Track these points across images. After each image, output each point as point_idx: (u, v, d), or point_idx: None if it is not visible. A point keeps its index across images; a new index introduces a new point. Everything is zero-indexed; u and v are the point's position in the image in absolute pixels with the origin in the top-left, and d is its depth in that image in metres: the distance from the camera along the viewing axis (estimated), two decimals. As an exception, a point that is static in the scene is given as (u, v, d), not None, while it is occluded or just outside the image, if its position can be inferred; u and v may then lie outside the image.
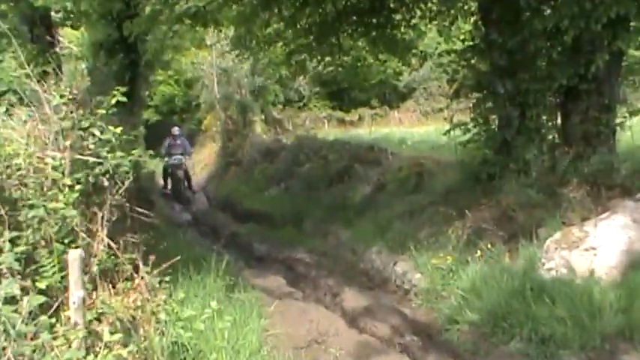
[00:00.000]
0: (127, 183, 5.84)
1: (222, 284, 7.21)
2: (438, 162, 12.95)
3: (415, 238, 9.24)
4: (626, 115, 9.48)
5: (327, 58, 14.00)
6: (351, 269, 10.13)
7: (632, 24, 8.52)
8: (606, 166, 8.34)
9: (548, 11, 8.86)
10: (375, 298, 8.41)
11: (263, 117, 27.65)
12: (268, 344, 6.07)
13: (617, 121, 9.24)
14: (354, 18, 11.20)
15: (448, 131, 10.70)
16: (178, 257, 6.20)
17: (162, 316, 5.24)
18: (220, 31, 18.63)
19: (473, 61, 10.55)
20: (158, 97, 33.91)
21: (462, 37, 11.50)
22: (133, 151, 6.08)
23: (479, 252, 7.66)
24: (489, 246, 7.76)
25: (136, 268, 5.56)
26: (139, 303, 5.23)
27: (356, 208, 12.96)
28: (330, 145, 18.74)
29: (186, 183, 20.06)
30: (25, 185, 5.36)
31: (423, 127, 30.22)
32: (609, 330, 5.76)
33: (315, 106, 38.98)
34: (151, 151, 10.15)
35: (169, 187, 19.98)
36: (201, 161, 27.57)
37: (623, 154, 9.51)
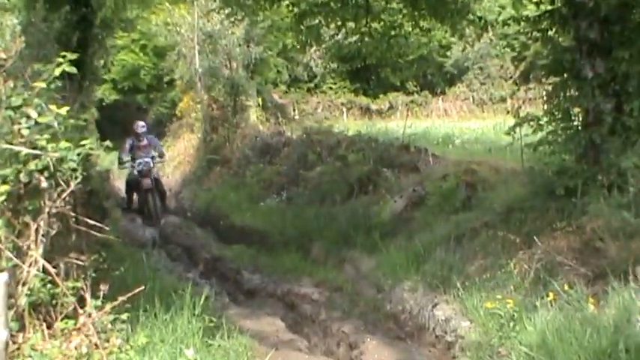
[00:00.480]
0: (72, 184, 5.77)
1: (200, 326, 7.16)
2: (496, 169, 12.91)
3: (463, 273, 9.22)
4: None
5: (350, 24, 13.93)
6: (374, 311, 10.07)
7: None
8: None
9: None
10: (406, 352, 8.38)
11: (260, 101, 27.73)
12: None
13: None
14: (389, -31, 11.18)
15: (512, 128, 10.63)
16: (141, 288, 6.14)
17: (116, 369, 5.18)
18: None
19: (550, 33, 10.47)
20: (117, 69, 34.07)
21: (535, -1, 11.41)
22: (83, 142, 6.01)
23: (551, 295, 7.55)
24: (566, 287, 7.64)
25: (82, 302, 5.50)
26: (83, 350, 5.17)
27: (383, 229, 12.92)
28: (349, 143, 18.77)
29: (158, 199, 18.61)
30: None
31: (476, 121, 30.30)
32: None
33: (330, 88, 39.13)
34: (107, 142, 10.05)
35: (135, 203, 19.26)
36: (175, 158, 27.73)
37: None
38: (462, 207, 12.03)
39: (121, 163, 18.53)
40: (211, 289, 10.29)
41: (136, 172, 18.18)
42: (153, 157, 18.48)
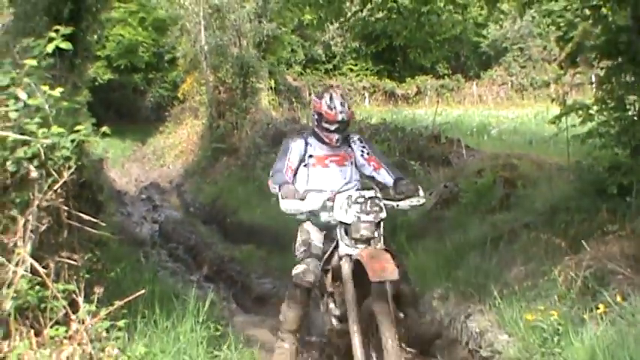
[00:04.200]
0: (65, 175, 5.78)
1: (204, 335, 7.18)
2: (539, 164, 12.88)
3: (500, 280, 9.16)
4: None
5: (375, -1, 13.93)
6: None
7: None
8: None
9: None
10: (435, 368, 8.31)
11: (272, 84, 27.71)
12: None
13: None
14: None
15: (558, 117, 10.60)
16: (140, 292, 6.15)
17: (112, 381, 5.19)
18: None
19: (603, 10, 10.43)
20: (112, 45, 34.06)
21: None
22: (77, 127, 6.01)
23: (601, 307, 7.51)
24: (619, 298, 7.61)
25: (74, 306, 5.50)
26: (75, 360, 5.18)
27: (410, 229, 12.89)
28: (373, 131, 18.84)
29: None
30: None
31: (516, 109, 30.30)
32: None
33: (351, 70, 39.26)
34: (105, 128, 10.16)
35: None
36: (176, 146, 27.81)
37: None
38: (499, 206, 12.00)
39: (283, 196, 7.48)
40: (217, 293, 10.32)
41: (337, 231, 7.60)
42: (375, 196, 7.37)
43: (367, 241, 7.09)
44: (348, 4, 14.04)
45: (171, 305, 7.42)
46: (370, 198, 7.15)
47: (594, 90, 10.42)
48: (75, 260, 5.94)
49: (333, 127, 7.82)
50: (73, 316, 5.46)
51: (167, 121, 30.49)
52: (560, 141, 11.98)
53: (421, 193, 7.65)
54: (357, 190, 7.62)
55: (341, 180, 8.00)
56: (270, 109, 25.92)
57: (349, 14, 17.94)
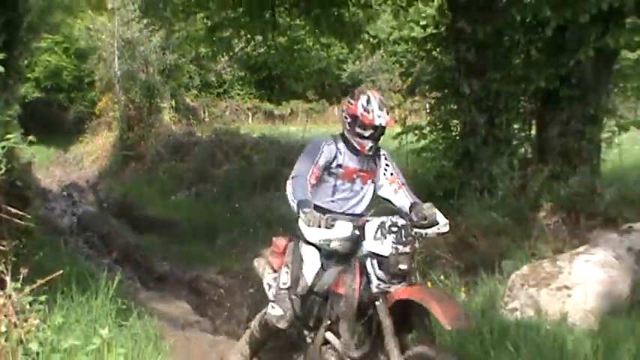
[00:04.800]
0: (-3, 175, 5.61)
1: (113, 308, 6.90)
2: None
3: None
4: (615, 129, 9.66)
5: (258, 38, 13.86)
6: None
7: (627, 20, 8.68)
8: (587, 190, 8.42)
9: (529, -1, 9.02)
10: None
11: (173, 103, 27.35)
12: (168, 385, 5.87)
13: (604, 136, 9.42)
14: (295, -10, 11.21)
15: (399, 135, 10.76)
16: (59, 272, 5.98)
17: (34, 346, 5.03)
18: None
19: (434, 53, 10.64)
20: (40, 69, 33.03)
21: (422, 22, 11.58)
22: (8, 136, 5.84)
23: (429, 284, 7.65)
24: (442, 277, 7.78)
25: (2, 284, 5.34)
26: (2, 329, 5.02)
27: (285, 223, 12.77)
28: (254, 144, 18.75)
29: None
30: None
31: (368, 128, 30.38)
32: (582, 387, 5.82)
33: (238, 94, 38.83)
34: (32, 137, 9.97)
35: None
36: (92, 153, 27.21)
37: (608, 176, 9.66)
38: (353, 204, 12.04)
39: (308, 224, 5.06)
40: (124, 274, 10.01)
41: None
42: (407, 224, 5.17)
43: (404, 275, 5.01)
44: (236, 41, 13.92)
45: (86, 283, 7.21)
46: (403, 226, 5.07)
47: (427, 115, 10.63)
48: (3, 246, 5.77)
49: (367, 133, 5.50)
50: (0, 292, 5.30)
51: (86, 132, 29.67)
52: (402, 153, 12.14)
53: (440, 216, 5.35)
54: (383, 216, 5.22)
55: (364, 200, 5.78)
56: (170, 124, 25.49)
57: (237, 49, 17.87)
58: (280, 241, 6.00)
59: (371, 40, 14.48)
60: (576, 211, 8.21)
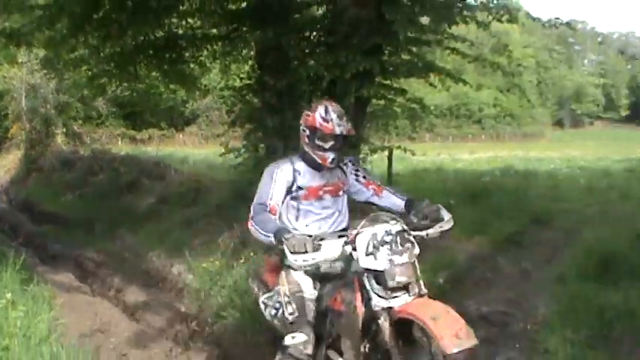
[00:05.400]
0: None
1: (19, 278, 6.89)
2: (213, 180, 13.00)
3: (190, 245, 9.02)
4: (367, 152, 10.13)
5: (125, 84, 13.60)
6: (134, 269, 9.71)
7: (376, 79, 9.11)
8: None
9: (312, 62, 9.23)
10: (153, 295, 8.25)
11: (64, 130, 26.55)
12: (57, 332, 5.83)
13: (360, 156, 9.81)
14: (150, 52, 10.98)
15: (223, 154, 10.71)
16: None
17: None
18: (32, 51, 17.90)
19: (248, 97, 10.66)
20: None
21: (241, 75, 11.60)
22: None
23: (243, 258, 7.64)
24: (252, 254, 7.79)
25: None
26: None
27: (141, 216, 12.57)
28: (121, 159, 18.50)
29: None
30: None
31: (203, 149, 30.16)
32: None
33: (111, 124, 37.38)
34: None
35: None
36: (5, 166, 26.04)
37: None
38: (191, 203, 11.92)
39: (293, 251, 3.31)
40: (27, 254, 9.70)
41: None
42: (403, 229, 3.54)
43: (405, 287, 3.35)
44: (109, 86, 13.36)
45: (-1, 260, 6.94)
46: (398, 232, 3.42)
47: (243, 140, 10.64)
48: None
49: (328, 145, 3.74)
50: None
51: (2, 151, 28.02)
52: (226, 167, 12.03)
53: (444, 212, 3.61)
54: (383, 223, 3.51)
55: (342, 213, 3.96)
56: (62, 145, 24.65)
57: (110, 92, 17.22)
58: (272, 260, 4.06)
59: (203, 87, 14.76)
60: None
